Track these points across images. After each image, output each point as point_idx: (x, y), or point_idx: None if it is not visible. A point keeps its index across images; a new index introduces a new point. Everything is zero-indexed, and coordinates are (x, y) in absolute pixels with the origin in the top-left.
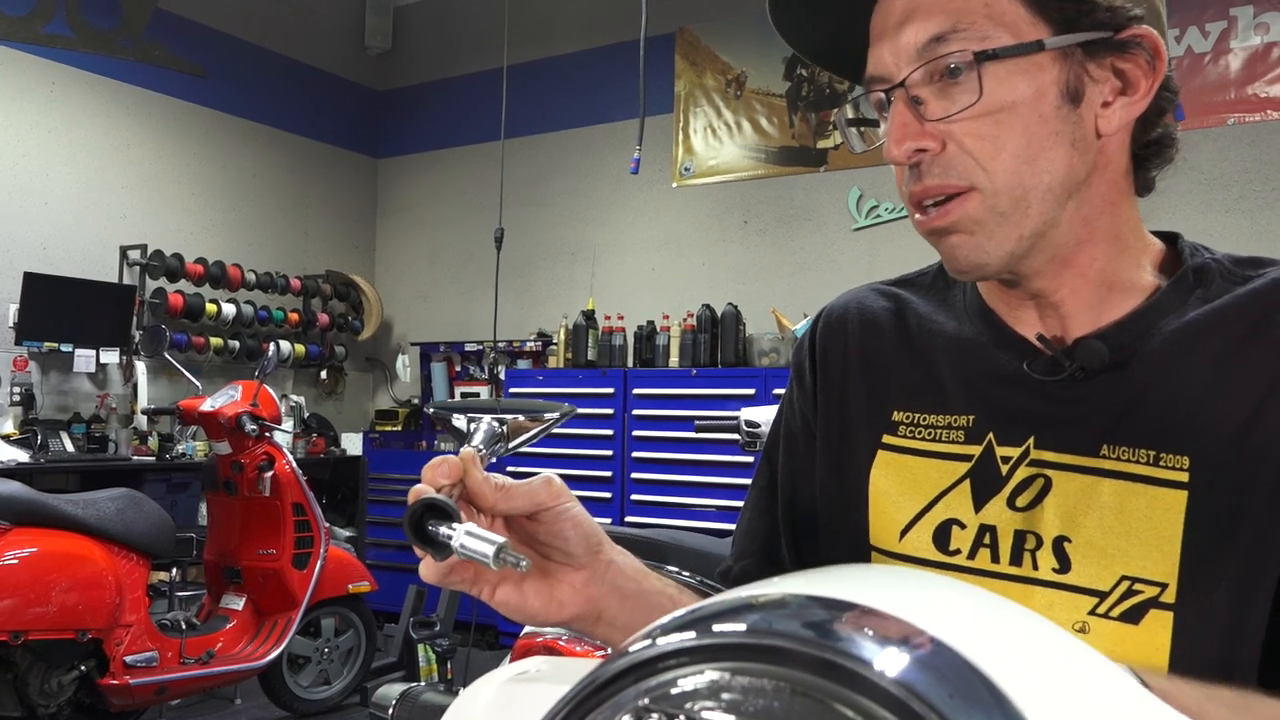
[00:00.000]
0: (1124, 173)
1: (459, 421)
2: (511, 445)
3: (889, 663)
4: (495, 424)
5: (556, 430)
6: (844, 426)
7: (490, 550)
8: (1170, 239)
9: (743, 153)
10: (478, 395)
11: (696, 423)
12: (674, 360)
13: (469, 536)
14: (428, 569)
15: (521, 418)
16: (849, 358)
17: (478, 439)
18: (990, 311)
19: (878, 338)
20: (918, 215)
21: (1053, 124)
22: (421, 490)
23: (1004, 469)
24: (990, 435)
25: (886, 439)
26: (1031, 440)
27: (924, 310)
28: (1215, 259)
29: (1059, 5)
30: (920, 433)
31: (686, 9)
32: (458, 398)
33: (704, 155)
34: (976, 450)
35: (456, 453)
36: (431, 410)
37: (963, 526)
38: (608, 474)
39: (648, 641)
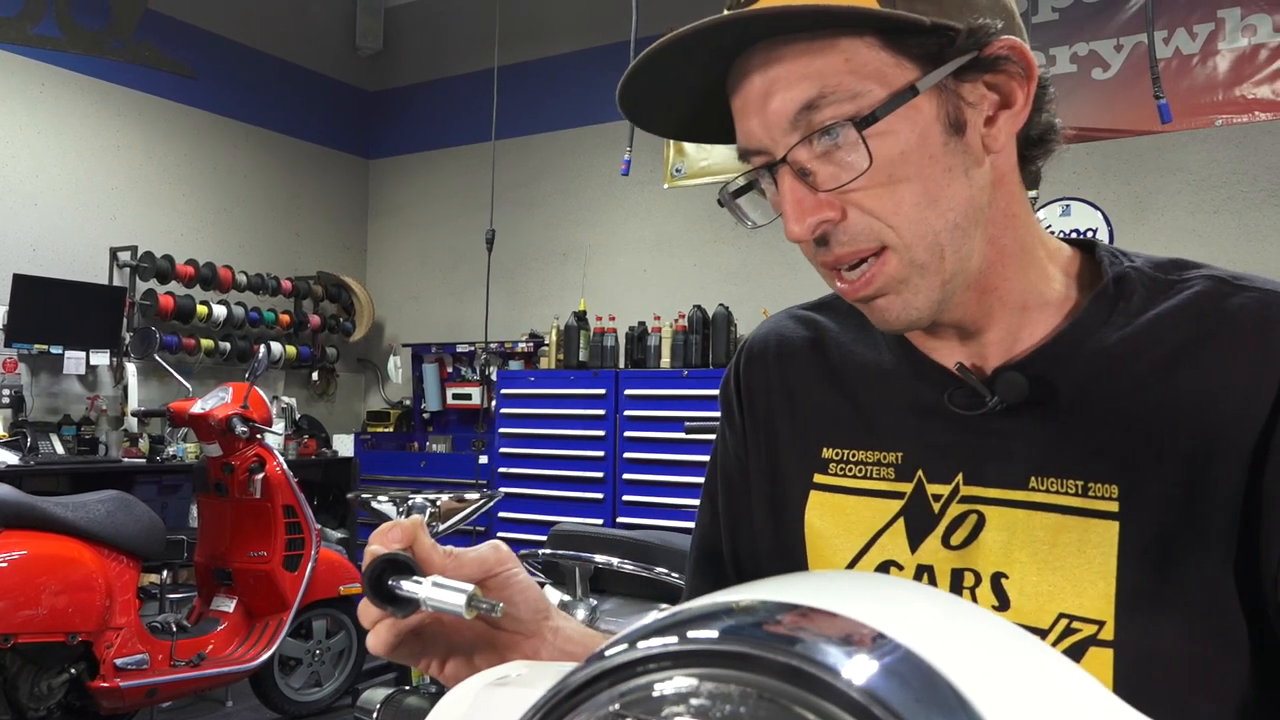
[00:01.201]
0: (1017, 181)
1: (387, 508)
2: (442, 528)
3: (854, 669)
4: (426, 504)
5: (549, 430)
6: (775, 465)
7: (461, 599)
8: (1087, 247)
9: (734, 154)
10: (469, 396)
11: (686, 424)
12: (665, 361)
13: (436, 587)
14: (376, 639)
15: (442, 497)
16: (772, 393)
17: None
18: (906, 340)
19: (799, 370)
20: (839, 284)
21: (943, 161)
22: (375, 551)
23: (936, 507)
24: (920, 473)
25: (818, 478)
26: (961, 476)
27: (843, 339)
28: (1135, 266)
29: (920, 43)
30: (851, 470)
31: (677, 10)
32: (394, 490)
33: (695, 156)
34: (908, 488)
35: (457, 446)
36: (361, 498)
37: (900, 567)
38: (599, 475)
39: (622, 646)
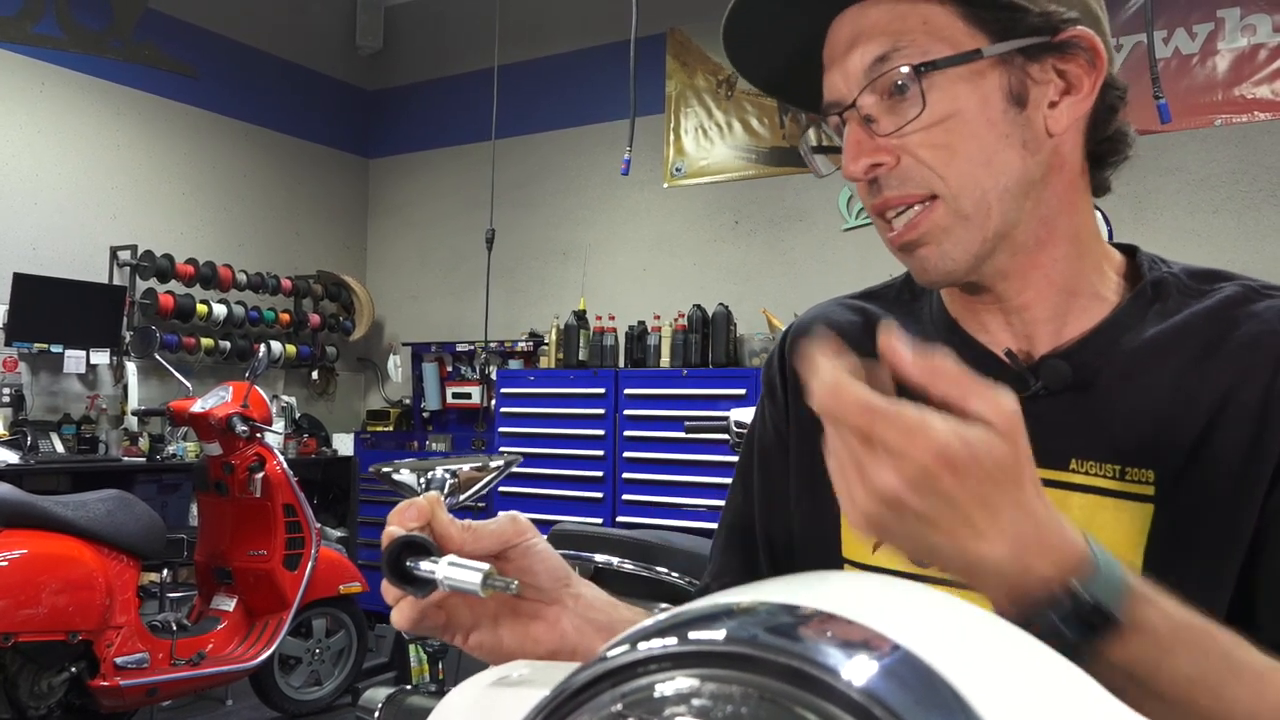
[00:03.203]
0: (1079, 172)
1: (408, 478)
2: (463, 498)
3: (854, 670)
4: (447, 474)
5: (549, 430)
6: (816, 441)
7: (477, 578)
8: (1129, 251)
9: (733, 153)
10: (469, 395)
11: (686, 423)
12: (665, 360)
13: (452, 567)
14: (399, 615)
15: (462, 468)
16: None
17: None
18: (954, 323)
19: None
20: (888, 233)
21: (1001, 127)
22: (393, 532)
23: None
24: None
25: None
26: None
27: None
28: (1172, 273)
29: (993, 16)
30: None
31: (677, 10)
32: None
33: (695, 155)
34: None
35: (456, 445)
36: (381, 471)
37: None
38: (599, 474)
39: (624, 647)
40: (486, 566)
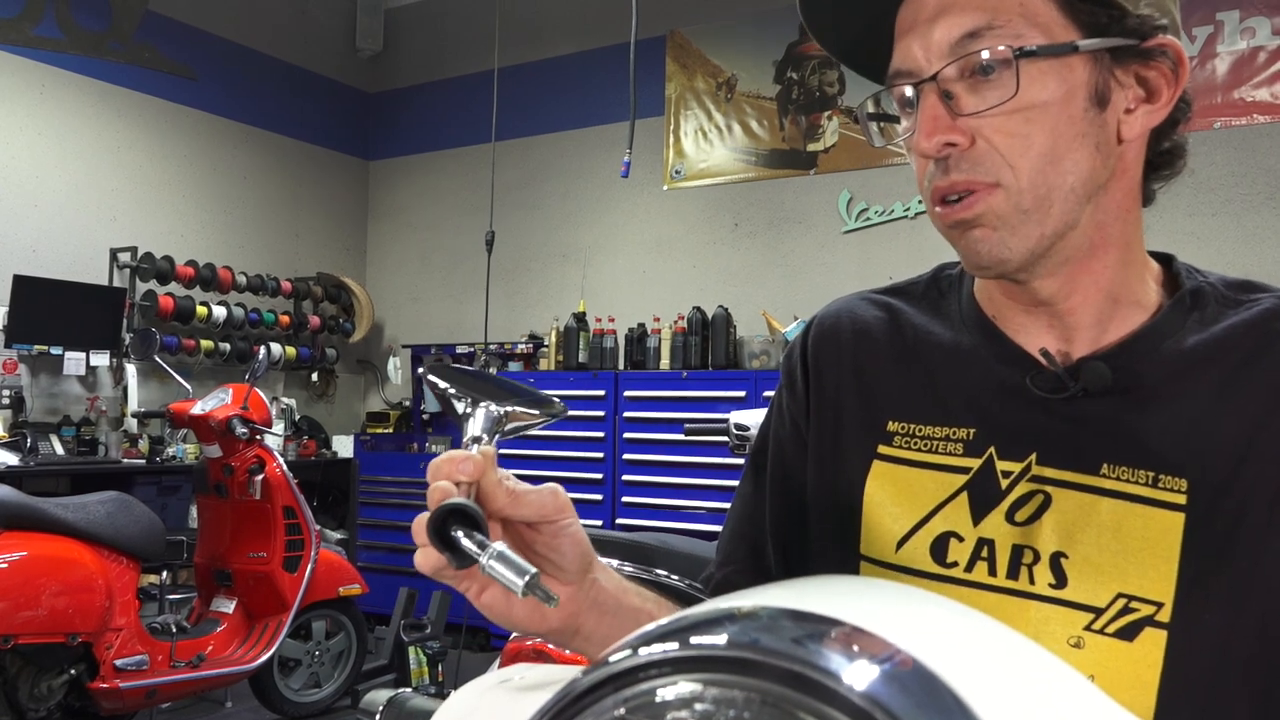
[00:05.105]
0: (1137, 181)
1: (459, 405)
2: (505, 430)
3: (855, 675)
4: (496, 410)
5: (548, 431)
6: (837, 435)
7: (520, 581)
8: (1165, 260)
9: (733, 155)
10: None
11: (686, 426)
12: (665, 363)
13: (499, 561)
14: (424, 560)
15: (516, 408)
16: (843, 367)
17: (478, 423)
18: (989, 322)
19: (872, 347)
20: (938, 208)
21: (1080, 125)
22: (446, 490)
23: (1004, 483)
24: (991, 449)
25: (882, 449)
26: (1034, 456)
27: (919, 320)
28: (1210, 282)
29: (1090, 10)
30: (917, 444)
31: (677, 12)
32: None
33: (694, 158)
34: (975, 463)
35: (456, 445)
36: (430, 375)
37: (961, 539)
38: (599, 476)
39: (626, 652)
40: (533, 570)
